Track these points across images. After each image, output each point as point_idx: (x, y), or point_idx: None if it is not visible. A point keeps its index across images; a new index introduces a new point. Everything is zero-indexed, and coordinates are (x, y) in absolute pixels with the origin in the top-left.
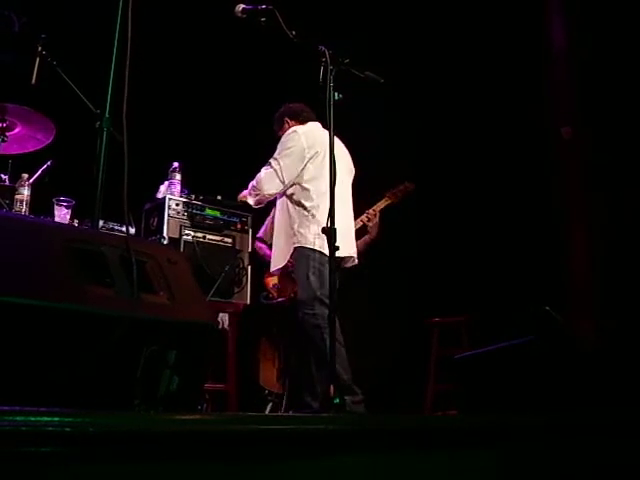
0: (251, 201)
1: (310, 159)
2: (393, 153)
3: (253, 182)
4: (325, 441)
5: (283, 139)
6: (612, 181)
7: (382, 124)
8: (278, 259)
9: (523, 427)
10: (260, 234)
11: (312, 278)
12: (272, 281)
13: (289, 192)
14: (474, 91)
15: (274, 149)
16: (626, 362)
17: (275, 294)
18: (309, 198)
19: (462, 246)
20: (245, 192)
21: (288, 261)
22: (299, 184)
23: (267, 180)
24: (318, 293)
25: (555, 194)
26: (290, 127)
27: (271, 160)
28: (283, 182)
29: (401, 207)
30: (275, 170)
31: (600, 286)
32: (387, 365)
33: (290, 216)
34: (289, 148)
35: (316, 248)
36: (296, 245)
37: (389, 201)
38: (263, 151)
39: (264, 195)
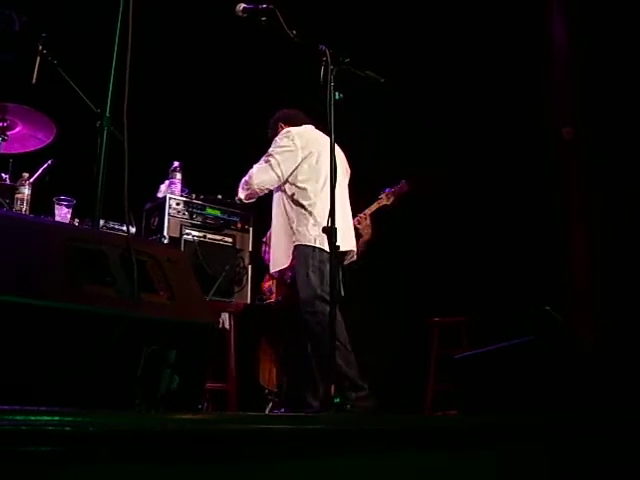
0: (242, 195)
1: (304, 159)
2: (392, 153)
3: (245, 177)
4: (325, 441)
5: (277, 138)
6: (612, 181)
7: (380, 124)
8: (280, 259)
9: (523, 427)
10: (266, 238)
11: (312, 276)
12: (267, 284)
13: (287, 192)
14: (474, 91)
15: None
16: (626, 362)
17: (269, 297)
18: (307, 197)
19: (462, 246)
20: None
21: (284, 267)
22: (295, 184)
23: (259, 174)
24: (319, 291)
25: (555, 194)
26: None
27: (264, 156)
28: (279, 176)
29: (402, 207)
30: (271, 165)
31: (600, 286)
32: (387, 365)
33: (288, 216)
34: (283, 146)
35: (316, 245)
36: (296, 243)
37: (383, 203)
38: (264, 150)
39: (254, 189)
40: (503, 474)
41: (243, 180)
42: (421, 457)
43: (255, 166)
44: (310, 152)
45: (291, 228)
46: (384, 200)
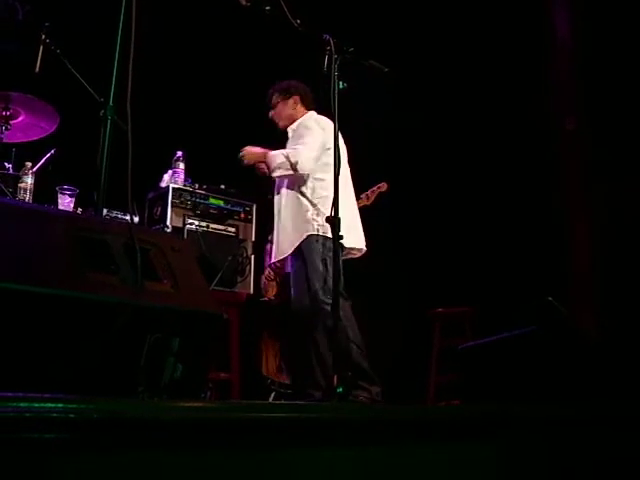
0: (277, 174)
1: (326, 149)
2: (392, 145)
3: (289, 158)
4: (327, 430)
5: (308, 124)
6: (614, 178)
7: (386, 113)
8: (284, 247)
9: (524, 418)
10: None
11: (329, 266)
12: (262, 284)
13: (304, 181)
14: (476, 86)
15: (277, 136)
16: (628, 355)
17: (264, 294)
18: (325, 187)
19: (465, 239)
20: (270, 160)
21: (275, 263)
22: (314, 174)
23: (306, 162)
24: (330, 281)
25: (557, 191)
26: (295, 108)
27: (302, 141)
28: (312, 168)
29: (405, 199)
30: (311, 153)
31: (601, 282)
32: (390, 356)
33: (302, 204)
34: (317, 135)
35: (327, 235)
36: (310, 233)
37: (363, 203)
38: (267, 140)
39: (291, 171)
40: (504, 465)
41: (283, 159)
42: (422, 447)
43: (299, 150)
44: (330, 143)
45: (305, 217)
46: (364, 200)
